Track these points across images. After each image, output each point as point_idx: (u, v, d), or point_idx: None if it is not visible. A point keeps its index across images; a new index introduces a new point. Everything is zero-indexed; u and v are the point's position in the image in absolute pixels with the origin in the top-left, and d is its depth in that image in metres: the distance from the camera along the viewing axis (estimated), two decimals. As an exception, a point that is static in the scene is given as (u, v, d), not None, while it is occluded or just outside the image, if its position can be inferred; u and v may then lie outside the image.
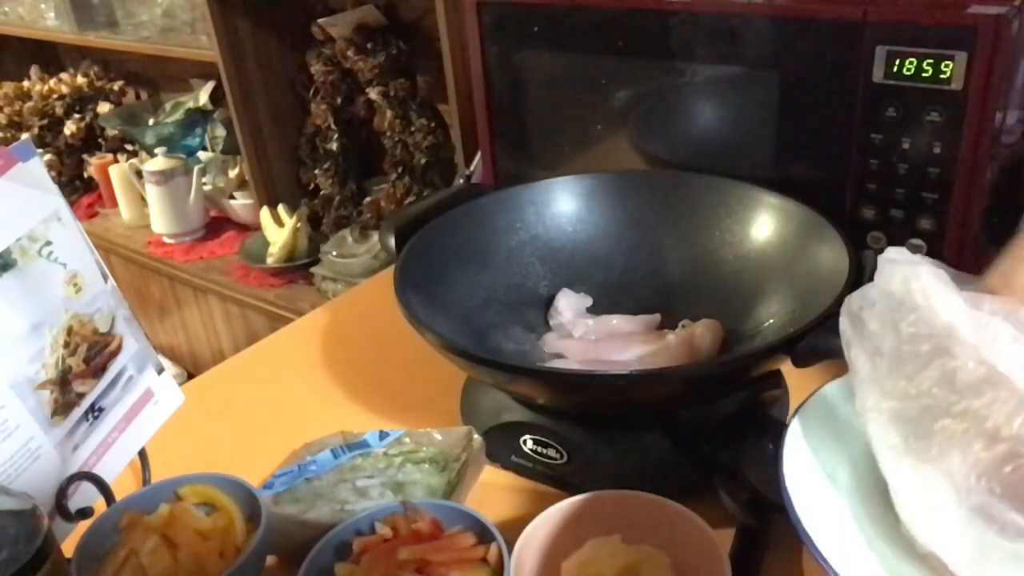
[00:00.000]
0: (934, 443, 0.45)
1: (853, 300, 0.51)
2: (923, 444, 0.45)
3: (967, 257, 0.74)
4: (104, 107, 2.33)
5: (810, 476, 0.52)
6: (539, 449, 0.69)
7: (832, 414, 0.56)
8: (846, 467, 0.54)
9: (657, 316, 0.79)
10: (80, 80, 2.34)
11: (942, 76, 0.69)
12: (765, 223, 0.78)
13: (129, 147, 2.32)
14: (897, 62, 0.71)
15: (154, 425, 0.71)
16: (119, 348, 0.67)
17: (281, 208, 1.90)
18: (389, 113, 1.70)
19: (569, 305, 0.80)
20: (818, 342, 0.59)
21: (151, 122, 2.21)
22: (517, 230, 0.84)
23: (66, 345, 0.62)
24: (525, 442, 0.70)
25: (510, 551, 0.55)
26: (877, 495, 0.50)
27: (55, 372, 0.61)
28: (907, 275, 0.48)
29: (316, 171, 1.89)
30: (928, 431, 0.45)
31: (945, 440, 0.44)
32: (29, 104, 2.31)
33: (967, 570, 0.44)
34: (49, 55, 2.60)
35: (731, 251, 0.79)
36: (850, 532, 0.50)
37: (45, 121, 2.31)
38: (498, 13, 0.94)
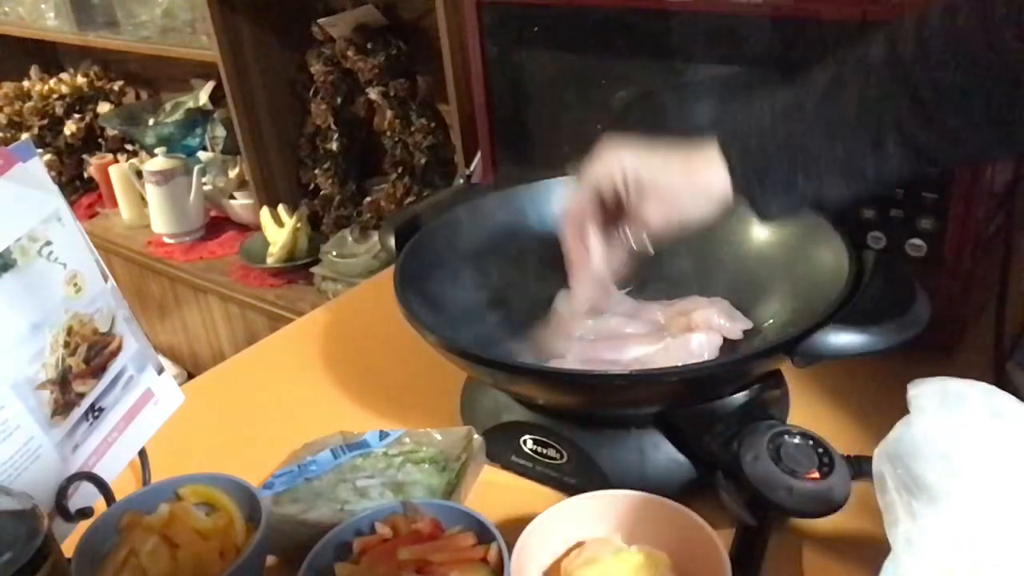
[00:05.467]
0: None
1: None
2: None
3: (967, 257, 0.74)
4: (104, 107, 2.33)
5: None
6: (539, 449, 0.69)
7: None
8: None
9: (658, 317, 0.79)
10: (80, 80, 2.34)
11: (942, 76, 0.69)
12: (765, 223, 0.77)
13: (129, 147, 2.32)
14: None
15: (154, 425, 0.71)
16: (119, 348, 0.67)
17: (281, 208, 1.90)
18: (389, 113, 1.70)
19: (568, 305, 0.80)
20: (818, 342, 0.59)
21: (151, 122, 2.21)
22: (517, 230, 0.84)
23: (66, 345, 0.62)
24: (525, 442, 0.70)
25: (510, 551, 0.55)
26: None
27: (55, 372, 0.61)
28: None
29: (316, 171, 1.89)
30: None
31: None
32: (29, 104, 2.30)
33: None
34: (49, 55, 2.59)
35: (731, 251, 0.79)
36: None
37: (45, 121, 2.31)
38: (498, 13, 0.94)
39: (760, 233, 0.78)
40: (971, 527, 0.43)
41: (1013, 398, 0.47)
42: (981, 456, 0.45)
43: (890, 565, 0.47)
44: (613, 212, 0.64)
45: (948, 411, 0.46)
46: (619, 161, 0.62)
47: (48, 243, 0.61)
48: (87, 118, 2.33)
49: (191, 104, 2.17)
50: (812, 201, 0.61)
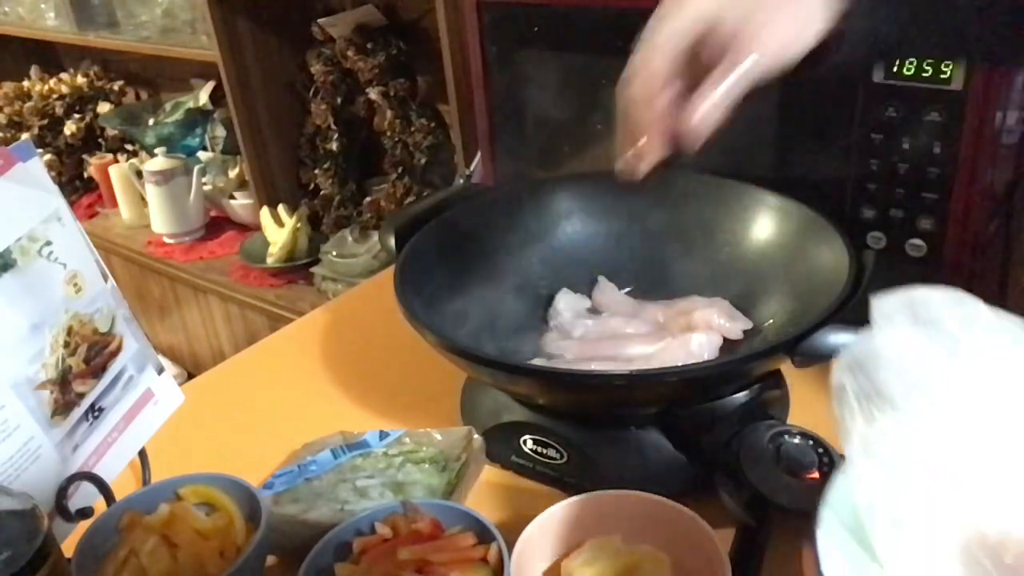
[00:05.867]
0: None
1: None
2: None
3: (967, 257, 0.74)
4: (104, 107, 2.33)
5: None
6: (539, 449, 0.69)
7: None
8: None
9: (658, 317, 0.79)
10: (80, 80, 2.34)
11: (942, 76, 0.69)
12: (765, 223, 0.78)
13: (129, 147, 2.32)
14: (897, 62, 0.71)
15: (154, 425, 0.71)
16: (119, 348, 0.67)
17: (281, 208, 1.90)
18: (389, 113, 1.70)
19: (568, 305, 0.80)
20: (818, 342, 0.59)
21: (151, 122, 2.21)
22: (517, 230, 0.84)
23: (66, 345, 0.62)
24: (525, 442, 0.70)
25: (510, 551, 0.55)
26: None
27: (55, 372, 0.61)
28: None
29: (316, 171, 1.89)
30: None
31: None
32: (29, 104, 2.31)
33: None
34: (49, 55, 2.60)
35: (731, 251, 0.79)
36: None
37: (45, 121, 2.31)
38: (498, 13, 0.94)
39: (760, 233, 0.78)
40: (933, 438, 0.41)
41: (984, 304, 0.44)
42: (948, 368, 0.42)
43: (841, 477, 0.46)
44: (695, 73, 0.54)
45: (914, 320, 0.44)
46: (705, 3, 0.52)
47: (48, 243, 0.61)
48: (87, 118, 2.33)
49: (191, 104, 2.17)
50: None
